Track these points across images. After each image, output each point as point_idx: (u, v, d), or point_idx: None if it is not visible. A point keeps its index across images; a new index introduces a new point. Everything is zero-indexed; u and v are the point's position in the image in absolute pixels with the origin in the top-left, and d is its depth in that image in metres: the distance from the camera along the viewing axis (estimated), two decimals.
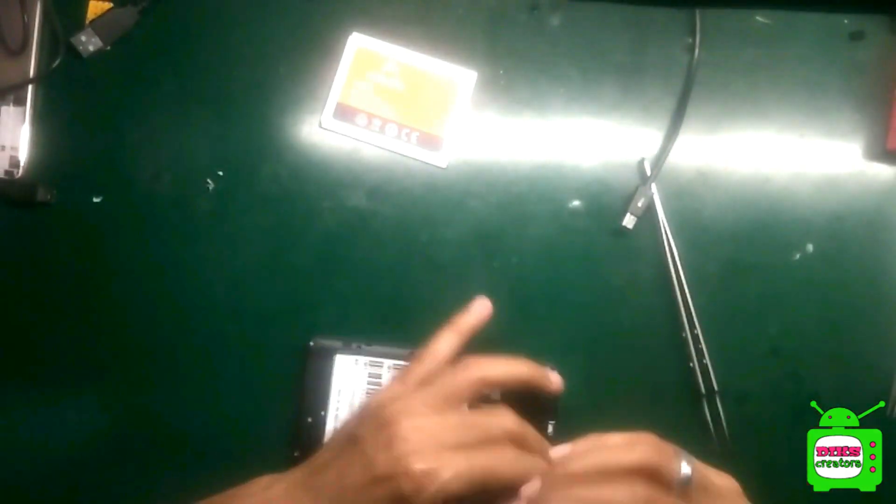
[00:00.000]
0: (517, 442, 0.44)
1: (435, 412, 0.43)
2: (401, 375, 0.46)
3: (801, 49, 0.54)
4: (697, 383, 0.51)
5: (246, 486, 0.45)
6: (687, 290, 0.51)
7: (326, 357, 0.51)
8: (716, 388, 0.51)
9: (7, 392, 0.53)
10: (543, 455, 0.44)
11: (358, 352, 0.51)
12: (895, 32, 0.54)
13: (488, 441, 0.43)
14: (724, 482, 0.44)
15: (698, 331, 0.51)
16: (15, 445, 0.52)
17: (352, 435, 0.43)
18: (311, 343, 0.51)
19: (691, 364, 0.51)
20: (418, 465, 0.40)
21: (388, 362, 0.51)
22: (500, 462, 0.42)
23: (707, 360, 0.51)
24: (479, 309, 0.49)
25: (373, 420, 0.43)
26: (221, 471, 0.49)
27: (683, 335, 0.51)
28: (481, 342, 0.51)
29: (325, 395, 0.51)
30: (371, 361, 0.51)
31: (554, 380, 0.47)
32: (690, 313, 0.51)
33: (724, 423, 0.51)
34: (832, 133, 0.54)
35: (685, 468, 0.41)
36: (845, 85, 0.54)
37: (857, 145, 0.53)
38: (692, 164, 0.53)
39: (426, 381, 0.45)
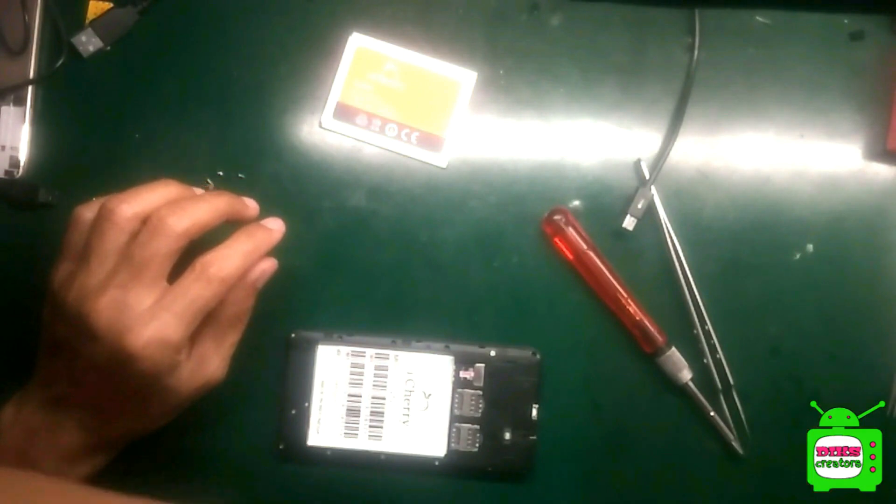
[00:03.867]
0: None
1: (132, 287, 0.40)
2: (65, 247, 0.44)
3: (801, 49, 0.54)
4: (713, 379, 0.51)
5: None
6: (695, 287, 0.51)
7: (308, 349, 0.51)
8: (731, 382, 0.51)
9: (7, 392, 0.53)
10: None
11: (339, 342, 0.51)
12: (895, 33, 0.54)
13: (164, 264, 0.41)
14: None
15: (709, 326, 0.51)
16: None
17: (58, 341, 0.42)
18: (293, 335, 0.51)
19: (705, 360, 0.51)
20: (139, 342, 0.39)
21: (370, 351, 0.51)
22: (195, 289, 0.41)
23: (721, 355, 0.51)
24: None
25: (72, 321, 0.41)
26: (209, 465, 0.50)
27: (695, 332, 0.51)
28: (481, 338, 0.51)
29: (308, 387, 0.51)
30: (353, 351, 0.51)
31: (251, 205, 0.47)
32: (700, 310, 0.51)
33: (743, 418, 0.51)
34: (832, 133, 0.54)
35: None
36: (845, 85, 0.54)
37: (857, 145, 0.53)
38: (692, 164, 0.53)
39: (124, 255, 0.41)
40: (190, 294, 0.41)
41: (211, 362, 0.44)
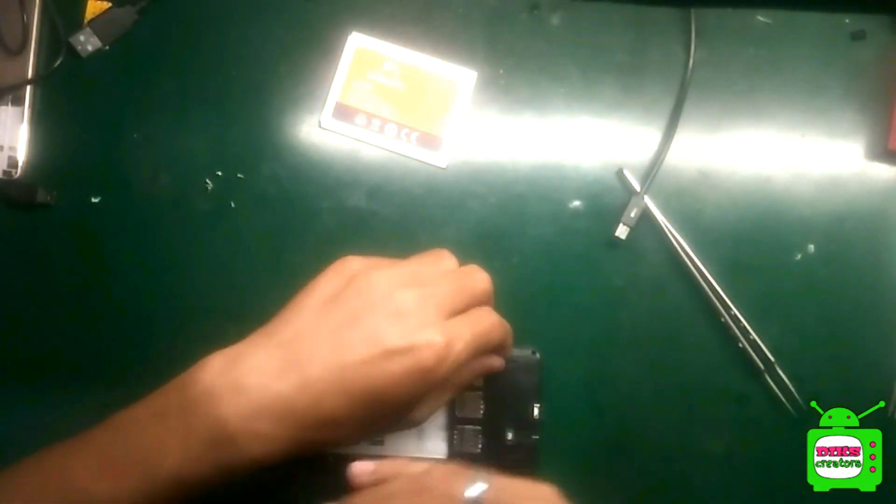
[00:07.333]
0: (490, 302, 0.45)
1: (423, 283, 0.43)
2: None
3: (802, 49, 0.54)
4: (752, 361, 0.51)
5: (191, 376, 0.40)
6: (710, 277, 0.51)
7: None
8: (772, 358, 0.51)
9: (6, 392, 0.53)
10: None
11: None
12: None
13: (475, 303, 0.44)
14: (536, 492, 0.42)
15: (735, 311, 0.51)
16: (14, 446, 0.52)
17: (332, 300, 0.42)
18: None
19: (740, 344, 0.51)
20: (437, 337, 0.40)
21: None
22: (493, 327, 0.44)
23: (754, 336, 0.51)
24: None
25: (362, 291, 0.42)
26: None
27: (722, 320, 0.51)
28: None
29: None
30: None
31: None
32: (722, 297, 0.51)
33: (792, 389, 0.51)
34: (833, 133, 0.54)
35: (473, 490, 0.39)
36: (846, 85, 0.54)
37: (858, 145, 0.53)
38: (693, 165, 0.53)
39: (444, 274, 0.44)
40: (482, 329, 0.43)
41: (424, 409, 0.44)
